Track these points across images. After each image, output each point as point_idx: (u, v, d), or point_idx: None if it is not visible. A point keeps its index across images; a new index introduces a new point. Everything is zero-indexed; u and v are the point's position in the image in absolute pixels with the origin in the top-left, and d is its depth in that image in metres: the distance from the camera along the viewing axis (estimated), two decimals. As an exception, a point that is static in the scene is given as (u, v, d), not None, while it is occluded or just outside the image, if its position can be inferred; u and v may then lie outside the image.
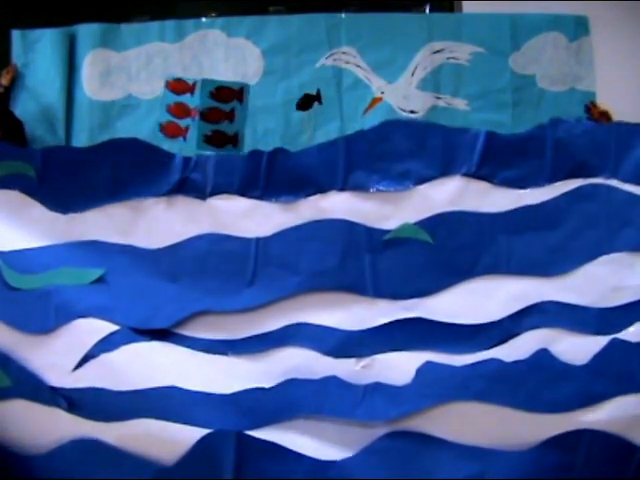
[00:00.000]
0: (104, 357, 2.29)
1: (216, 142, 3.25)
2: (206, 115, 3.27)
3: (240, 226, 2.49)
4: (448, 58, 3.42)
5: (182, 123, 3.28)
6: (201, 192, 2.52)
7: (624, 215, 2.40)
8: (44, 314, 2.33)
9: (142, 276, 2.43)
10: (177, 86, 3.30)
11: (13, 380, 2.33)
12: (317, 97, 3.30)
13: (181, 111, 3.28)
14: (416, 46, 3.43)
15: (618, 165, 2.45)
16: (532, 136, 2.51)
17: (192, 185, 2.52)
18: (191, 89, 3.30)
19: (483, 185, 2.48)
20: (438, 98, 3.41)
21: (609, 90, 3.26)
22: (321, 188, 2.52)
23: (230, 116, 3.26)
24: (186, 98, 3.29)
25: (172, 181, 2.51)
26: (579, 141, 2.47)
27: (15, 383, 2.33)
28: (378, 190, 2.50)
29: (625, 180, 2.43)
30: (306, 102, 3.30)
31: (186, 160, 2.54)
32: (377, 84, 3.43)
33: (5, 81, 3.33)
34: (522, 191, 2.47)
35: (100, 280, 2.40)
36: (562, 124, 2.51)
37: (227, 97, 3.29)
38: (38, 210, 2.48)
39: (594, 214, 2.41)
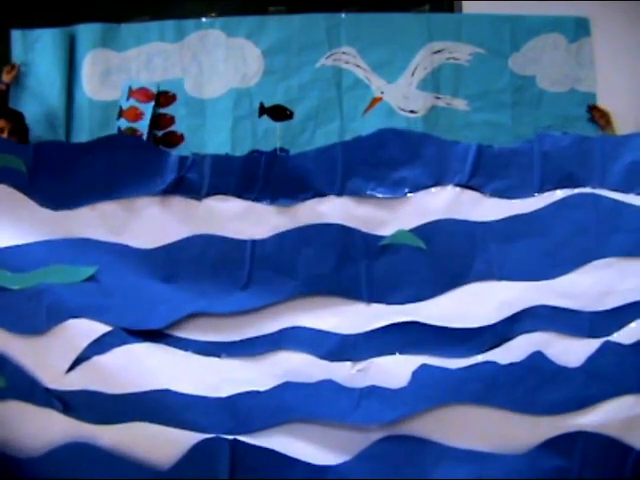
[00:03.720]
0: (97, 359, 2.26)
1: None
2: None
3: (236, 228, 2.46)
4: (448, 58, 3.41)
5: None
6: (197, 192, 2.49)
7: (612, 222, 2.40)
8: (36, 315, 2.29)
9: (135, 276, 2.40)
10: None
11: (8, 381, 2.30)
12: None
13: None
14: (416, 46, 3.42)
15: (605, 175, 2.45)
16: (520, 150, 2.53)
17: (188, 185, 2.49)
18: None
19: (475, 195, 2.50)
20: (438, 98, 3.40)
21: (610, 91, 3.26)
22: (318, 192, 2.50)
23: None
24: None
25: (167, 180, 2.47)
26: (566, 154, 2.49)
27: (10, 384, 2.30)
28: (374, 196, 2.49)
29: (612, 188, 2.44)
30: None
31: (182, 159, 2.50)
32: (377, 84, 3.42)
33: (8, 78, 3.35)
34: (512, 201, 2.48)
35: (92, 279, 2.36)
36: (548, 138, 2.53)
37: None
38: (28, 205, 2.43)
39: (583, 221, 2.42)
